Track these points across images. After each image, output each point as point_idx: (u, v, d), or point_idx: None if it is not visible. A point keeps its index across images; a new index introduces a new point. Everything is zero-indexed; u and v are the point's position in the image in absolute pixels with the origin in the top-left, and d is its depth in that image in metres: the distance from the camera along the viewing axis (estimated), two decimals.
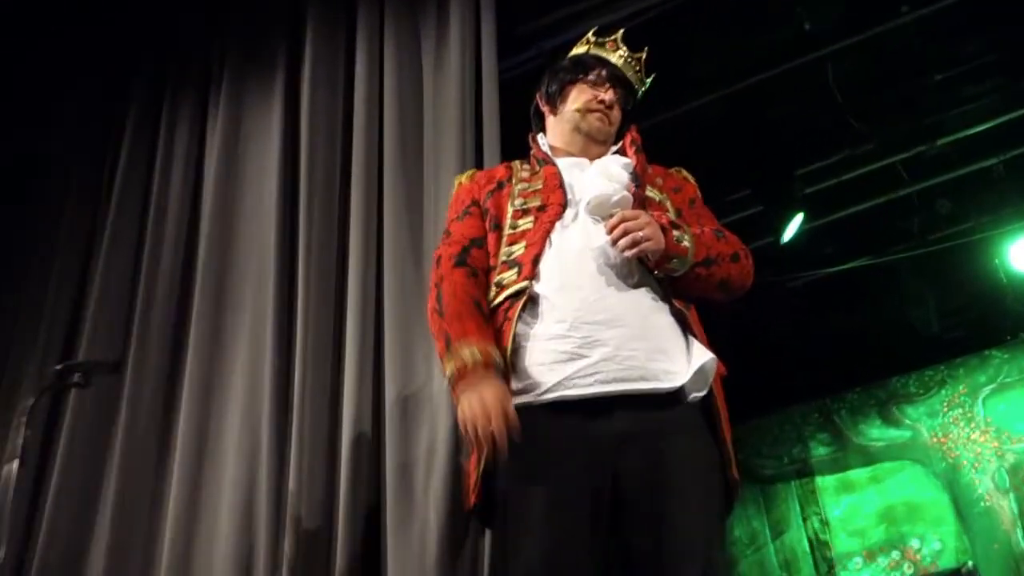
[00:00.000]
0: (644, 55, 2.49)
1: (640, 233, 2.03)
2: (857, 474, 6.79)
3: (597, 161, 2.33)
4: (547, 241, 2.14)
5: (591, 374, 1.95)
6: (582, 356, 1.96)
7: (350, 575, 2.61)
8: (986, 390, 6.56)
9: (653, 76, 2.53)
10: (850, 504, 6.75)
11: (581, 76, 2.41)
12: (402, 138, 3.24)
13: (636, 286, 2.07)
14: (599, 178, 2.24)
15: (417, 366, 2.83)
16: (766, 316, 6.10)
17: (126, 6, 4.28)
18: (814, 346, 6.36)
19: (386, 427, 2.78)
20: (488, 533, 2.42)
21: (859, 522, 6.68)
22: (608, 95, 2.37)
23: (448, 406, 2.64)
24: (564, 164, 2.31)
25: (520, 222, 2.20)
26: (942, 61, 5.12)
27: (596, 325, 1.99)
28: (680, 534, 1.88)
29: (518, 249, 2.15)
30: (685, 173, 2.46)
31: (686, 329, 2.08)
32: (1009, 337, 6.53)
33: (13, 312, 3.83)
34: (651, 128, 2.71)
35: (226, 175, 3.55)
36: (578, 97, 2.39)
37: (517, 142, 2.64)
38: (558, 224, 2.17)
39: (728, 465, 2.06)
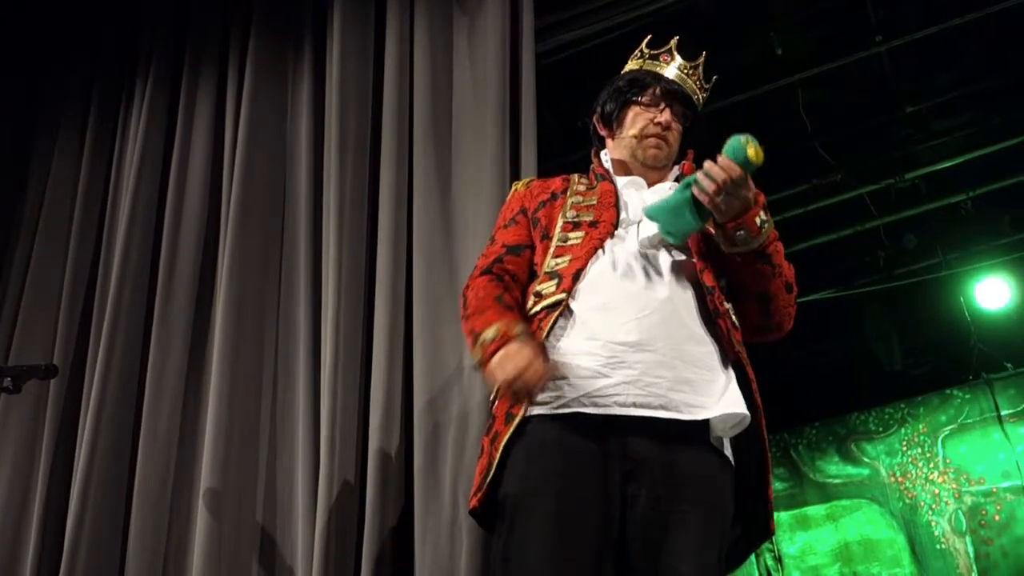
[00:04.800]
0: (702, 61, 2.39)
1: (727, 192, 1.97)
2: (813, 510, 6.73)
3: (658, 186, 2.28)
4: (593, 257, 2.11)
5: (611, 395, 1.92)
6: (604, 375, 1.94)
7: (379, 558, 2.63)
8: (946, 430, 6.52)
9: (715, 79, 2.43)
10: (805, 541, 6.68)
11: (636, 98, 2.32)
12: (433, 112, 3.19)
13: (679, 313, 2.02)
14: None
15: (446, 344, 2.84)
16: None
17: None
18: (773, 378, 6.25)
19: (415, 405, 2.78)
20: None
21: (813, 560, 6.61)
22: (664, 116, 2.28)
23: (480, 381, 2.65)
24: (622, 183, 2.27)
25: (570, 235, 2.17)
26: (914, 93, 5.08)
27: (624, 347, 1.95)
28: None
29: (562, 262, 2.13)
30: None
31: (728, 367, 2.02)
32: (971, 377, 6.47)
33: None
34: None
35: (249, 149, 3.44)
36: (634, 121, 2.31)
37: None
38: (608, 242, 2.13)
39: (767, 519, 2.06)
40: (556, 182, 2.34)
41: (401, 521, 2.69)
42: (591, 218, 2.17)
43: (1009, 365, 6.40)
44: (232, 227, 3.30)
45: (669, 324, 1.99)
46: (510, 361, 1.90)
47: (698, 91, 2.38)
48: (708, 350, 2.01)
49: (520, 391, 1.90)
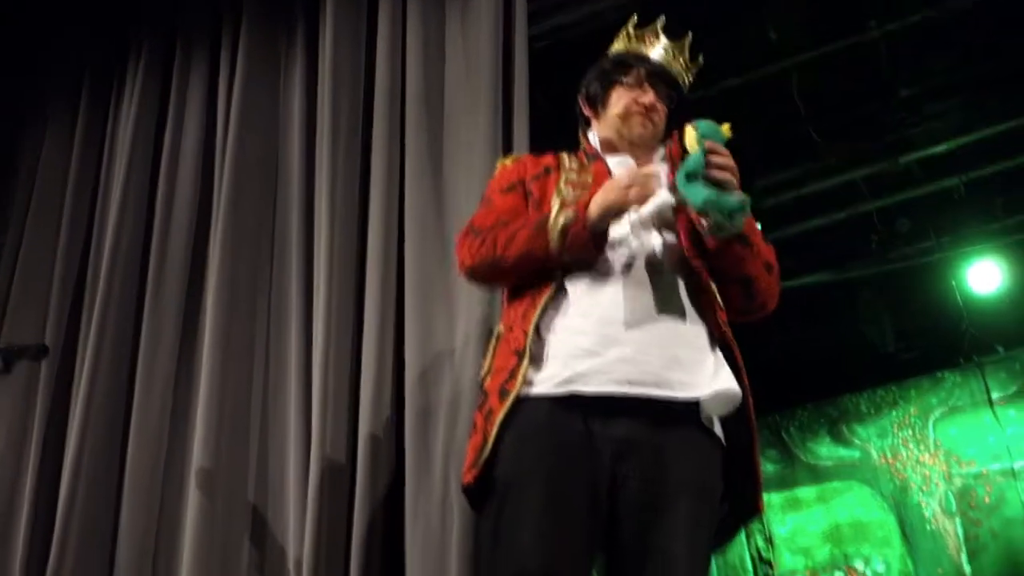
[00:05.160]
0: (687, 41, 2.40)
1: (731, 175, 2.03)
2: (804, 492, 6.74)
3: (647, 168, 2.27)
4: None
5: (604, 373, 1.92)
6: (597, 354, 1.94)
7: (370, 536, 2.65)
8: (937, 412, 6.53)
9: (700, 58, 2.44)
10: (796, 522, 6.70)
11: (620, 78, 2.33)
12: (425, 94, 3.19)
13: (668, 294, 2.04)
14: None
15: (438, 322, 2.85)
16: None
17: None
18: (765, 360, 6.27)
19: (407, 384, 2.79)
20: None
21: (804, 541, 6.63)
22: (648, 97, 2.29)
23: (472, 360, 2.66)
24: (612, 162, 2.28)
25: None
26: (908, 77, 5.07)
27: (617, 325, 1.96)
28: (663, 566, 1.86)
29: None
30: None
31: (715, 347, 2.03)
32: (962, 360, 6.48)
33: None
34: None
35: (241, 133, 3.46)
36: (618, 101, 2.31)
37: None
38: None
39: (756, 497, 2.07)
40: (548, 158, 2.34)
41: (392, 498, 2.70)
42: (587, 197, 2.16)
43: (1000, 348, 6.41)
44: (224, 209, 3.31)
45: (661, 304, 2.01)
46: (615, 182, 2.02)
47: (684, 72, 2.39)
48: (697, 330, 2.03)
49: (642, 191, 1.99)
